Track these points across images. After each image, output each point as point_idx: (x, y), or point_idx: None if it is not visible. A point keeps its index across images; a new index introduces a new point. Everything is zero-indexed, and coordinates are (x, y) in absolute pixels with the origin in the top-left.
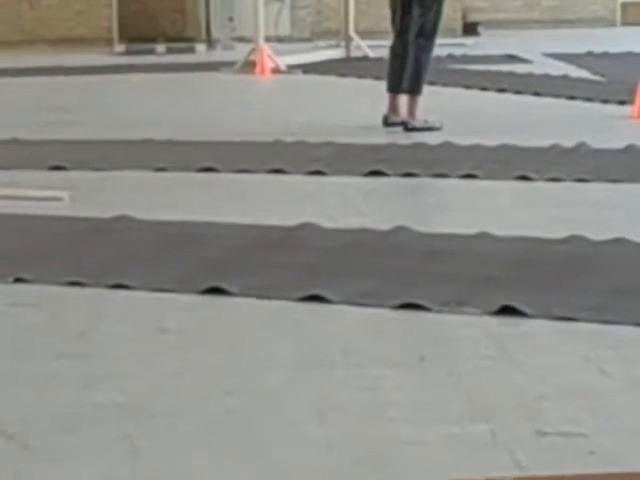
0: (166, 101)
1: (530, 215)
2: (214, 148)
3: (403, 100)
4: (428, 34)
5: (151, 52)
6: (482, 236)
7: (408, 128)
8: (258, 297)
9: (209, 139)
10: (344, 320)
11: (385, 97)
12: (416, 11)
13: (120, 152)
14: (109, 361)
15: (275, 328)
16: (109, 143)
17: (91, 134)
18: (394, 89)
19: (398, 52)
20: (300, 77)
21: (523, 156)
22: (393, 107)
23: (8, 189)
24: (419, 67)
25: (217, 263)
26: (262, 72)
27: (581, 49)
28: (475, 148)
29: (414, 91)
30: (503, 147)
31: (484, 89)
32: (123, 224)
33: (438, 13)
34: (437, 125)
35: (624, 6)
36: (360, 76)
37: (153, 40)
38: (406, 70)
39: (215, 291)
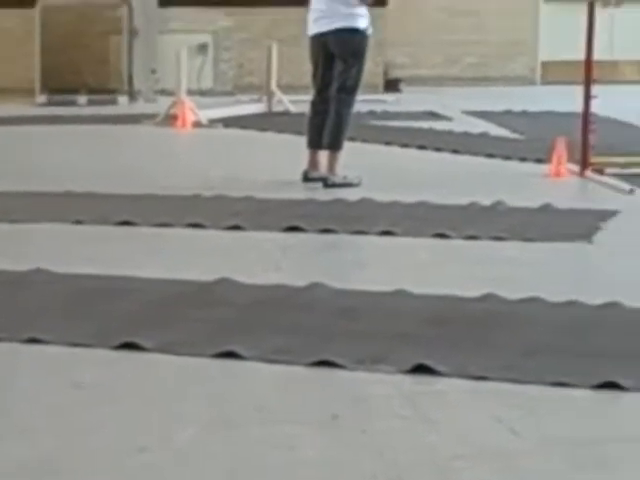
0: (87, 153)
1: (447, 273)
2: (133, 201)
3: (323, 156)
4: (349, 90)
5: (73, 103)
6: (398, 293)
7: (328, 184)
8: (173, 353)
9: (129, 192)
10: (258, 377)
11: (305, 152)
12: (338, 67)
13: (38, 204)
14: (20, 417)
15: (189, 384)
16: (27, 195)
17: (9, 185)
18: (314, 145)
19: (319, 108)
20: (221, 131)
21: (441, 213)
22: (313, 163)
23: None
24: (340, 123)
25: (133, 318)
26: (183, 125)
27: (501, 107)
28: (394, 205)
29: (334, 147)
30: (422, 204)
31: (404, 146)
32: (39, 277)
33: (360, 69)
34: (356, 181)
35: (544, 65)
36: (281, 131)
37: (75, 91)
38: (327, 126)
39: (130, 346)
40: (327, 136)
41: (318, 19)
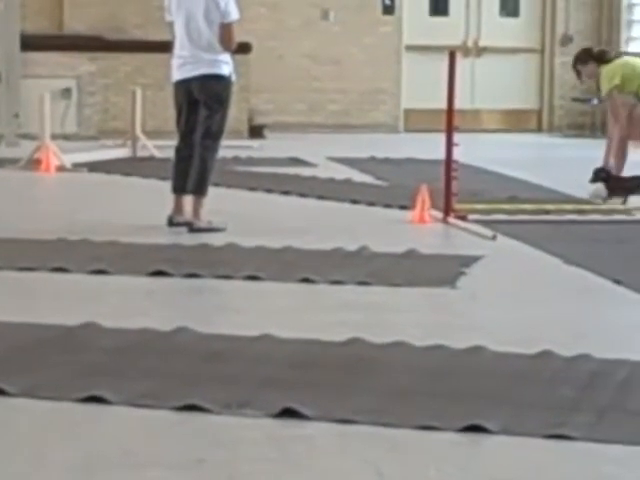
0: None
1: (312, 317)
2: None
3: (188, 201)
4: (214, 136)
5: None
6: (264, 338)
7: (193, 229)
8: (37, 397)
9: None
10: (123, 421)
11: (170, 197)
12: (202, 113)
13: None
14: None
15: (52, 429)
16: None
17: None
18: (179, 190)
19: (183, 153)
20: (86, 175)
21: (306, 258)
22: (178, 207)
23: None
24: (204, 168)
25: None
26: (47, 170)
27: (364, 154)
28: (259, 250)
29: (199, 192)
30: (287, 249)
31: (269, 191)
32: None
33: (224, 115)
34: (222, 226)
35: (407, 112)
36: (146, 176)
37: None
38: (191, 171)
39: None
40: (192, 181)
41: (182, 65)
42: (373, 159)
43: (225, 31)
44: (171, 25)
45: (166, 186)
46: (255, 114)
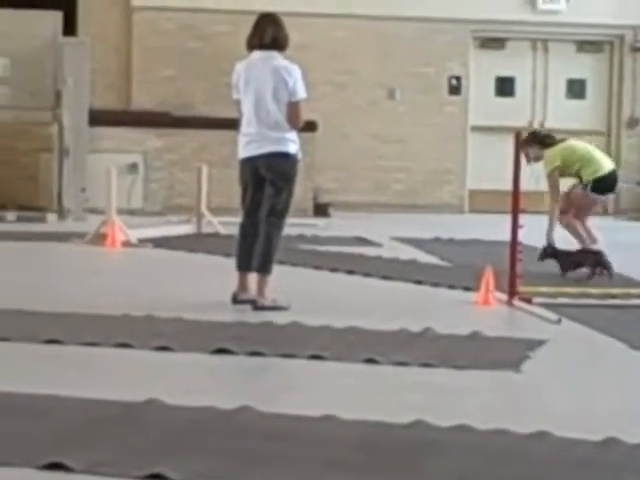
0: (14, 270)
1: (376, 398)
2: (61, 319)
3: (253, 278)
4: (280, 214)
5: (1, 219)
6: (327, 418)
7: (257, 307)
8: (100, 474)
9: (57, 310)
10: None
11: (235, 274)
12: (268, 191)
13: None
14: None
15: None
16: None
17: None
18: (244, 267)
19: (248, 231)
20: (151, 251)
21: (370, 339)
22: (242, 285)
23: None
24: (270, 246)
25: (60, 438)
26: (113, 245)
27: (429, 234)
28: (323, 329)
29: (264, 270)
30: (351, 329)
31: (334, 270)
32: None
33: (290, 194)
34: (286, 305)
35: (472, 194)
36: (211, 252)
37: (3, 207)
38: (256, 249)
39: (56, 467)
40: (257, 259)
41: (249, 143)
42: (437, 240)
43: (293, 109)
44: (238, 103)
45: (231, 263)
46: (320, 192)
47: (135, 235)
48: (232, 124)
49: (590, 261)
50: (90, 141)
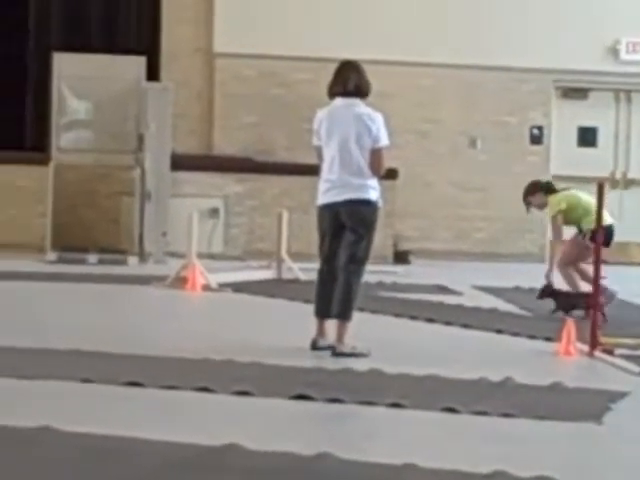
0: (95, 312)
1: (455, 448)
2: (142, 362)
3: (331, 325)
4: (360, 261)
5: (83, 262)
6: (407, 467)
7: (336, 353)
8: None
9: (137, 352)
10: None
11: (314, 320)
12: (348, 238)
13: (47, 361)
14: None
15: None
16: (36, 351)
17: (18, 341)
18: (322, 314)
19: (326, 277)
20: (230, 295)
21: (450, 388)
22: (321, 331)
23: None
24: (349, 293)
25: None
26: (193, 288)
27: (510, 283)
28: (403, 377)
29: (344, 317)
30: (431, 377)
31: (414, 318)
32: (48, 436)
33: (370, 240)
34: (365, 352)
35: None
36: (290, 298)
37: (86, 250)
38: (336, 296)
39: None
40: (337, 306)
41: (330, 189)
42: (518, 289)
43: (375, 156)
44: (318, 149)
45: (310, 309)
46: (400, 240)
47: (215, 279)
48: (312, 170)
49: (584, 303)
50: (172, 185)
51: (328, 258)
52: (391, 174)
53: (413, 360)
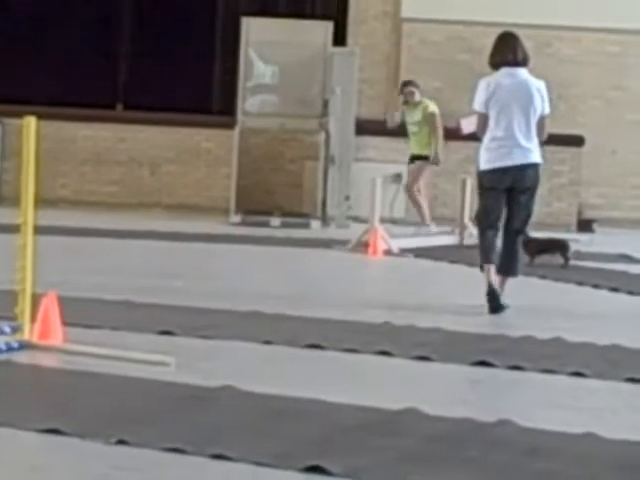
0: (277, 274)
1: (638, 418)
2: (322, 325)
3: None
4: (526, 221)
5: (266, 225)
6: (588, 436)
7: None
8: (357, 479)
9: (317, 315)
10: None
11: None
12: (520, 199)
13: (228, 322)
14: None
15: None
16: (218, 312)
17: (201, 302)
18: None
19: (492, 239)
20: (412, 261)
21: (634, 358)
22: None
23: (116, 350)
24: (517, 251)
25: (319, 442)
26: (374, 253)
27: None
28: (585, 346)
29: (513, 274)
30: (614, 347)
31: (596, 287)
32: (227, 394)
33: (534, 202)
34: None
35: None
36: (472, 264)
37: (269, 213)
38: (505, 255)
39: (315, 469)
40: (506, 265)
41: (506, 154)
42: None
43: (543, 123)
44: (484, 117)
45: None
46: (585, 208)
47: (397, 244)
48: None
49: None
50: (355, 150)
51: (495, 220)
52: (576, 141)
53: (596, 330)
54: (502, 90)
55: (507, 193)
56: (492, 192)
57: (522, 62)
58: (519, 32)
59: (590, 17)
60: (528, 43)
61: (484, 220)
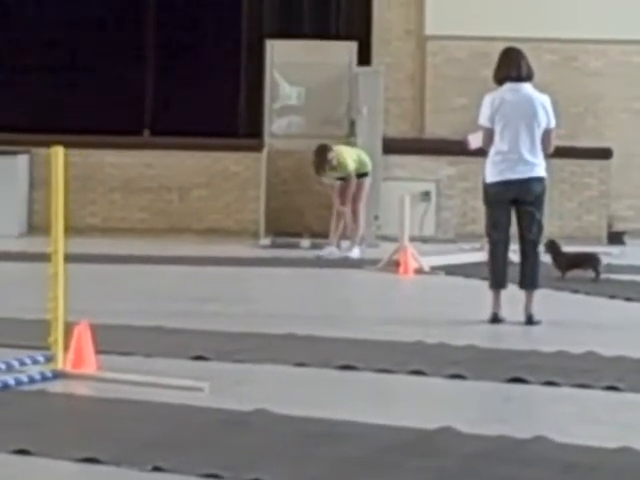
0: (309, 296)
1: None
2: (354, 345)
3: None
4: (538, 235)
5: (296, 246)
6: (624, 451)
7: (534, 321)
8: None
9: (350, 336)
10: None
11: (521, 302)
12: (528, 211)
13: (261, 345)
14: None
15: None
16: (250, 336)
17: (233, 326)
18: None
19: (502, 251)
20: (443, 278)
21: None
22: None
23: (150, 377)
24: (538, 264)
25: (355, 464)
26: (405, 272)
27: None
28: (619, 360)
29: (536, 287)
30: None
31: (629, 300)
32: (262, 418)
33: (542, 216)
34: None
35: None
36: None
37: (299, 235)
38: (525, 269)
39: None
40: (529, 279)
41: (509, 168)
42: None
43: (549, 136)
44: (489, 131)
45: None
46: (615, 220)
47: (427, 262)
48: None
49: None
50: (383, 169)
51: (503, 233)
52: (605, 154)
53: (630, 343)
54: (506, 105)
55: (513, 205)
56: (497, 204)
57: (526, 77)
58: (544, 47)
59: (615, 29)
60: (553, 57)
61: (493, 233)
